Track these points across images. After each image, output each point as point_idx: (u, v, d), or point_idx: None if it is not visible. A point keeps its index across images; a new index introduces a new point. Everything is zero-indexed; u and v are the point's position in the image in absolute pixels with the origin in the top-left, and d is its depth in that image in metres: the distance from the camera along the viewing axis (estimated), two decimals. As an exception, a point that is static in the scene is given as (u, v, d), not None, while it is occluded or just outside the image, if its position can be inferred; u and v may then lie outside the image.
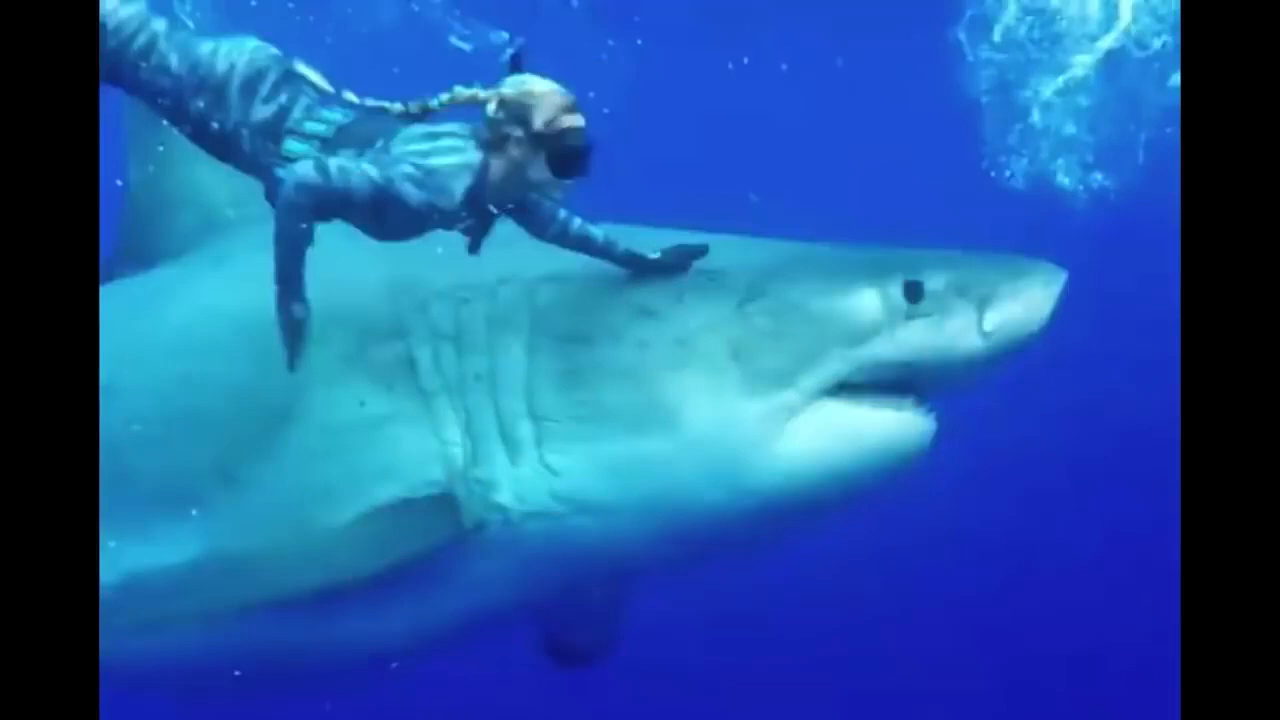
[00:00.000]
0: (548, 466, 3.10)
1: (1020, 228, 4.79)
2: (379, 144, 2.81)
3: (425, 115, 2.89)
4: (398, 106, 2.90)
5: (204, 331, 3.48)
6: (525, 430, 3.12)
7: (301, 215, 2.69)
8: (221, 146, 2.95)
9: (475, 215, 2.88)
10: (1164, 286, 3.27)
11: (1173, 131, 2.28)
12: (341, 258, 2.83)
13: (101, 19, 2.82)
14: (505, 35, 2.89)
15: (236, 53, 2.89)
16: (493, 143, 2.80)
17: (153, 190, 4.06)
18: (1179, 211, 2.12)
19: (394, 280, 3.30)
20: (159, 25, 2.91)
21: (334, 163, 2.71)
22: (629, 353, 3.08)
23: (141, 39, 2.88)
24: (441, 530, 3.11)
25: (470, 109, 2.84)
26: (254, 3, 4.01)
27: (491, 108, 2.79)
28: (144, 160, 4.02)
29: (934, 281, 3.09)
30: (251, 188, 2.95)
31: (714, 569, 3.73)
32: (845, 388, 3.10)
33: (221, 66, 2.87)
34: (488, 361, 3.16)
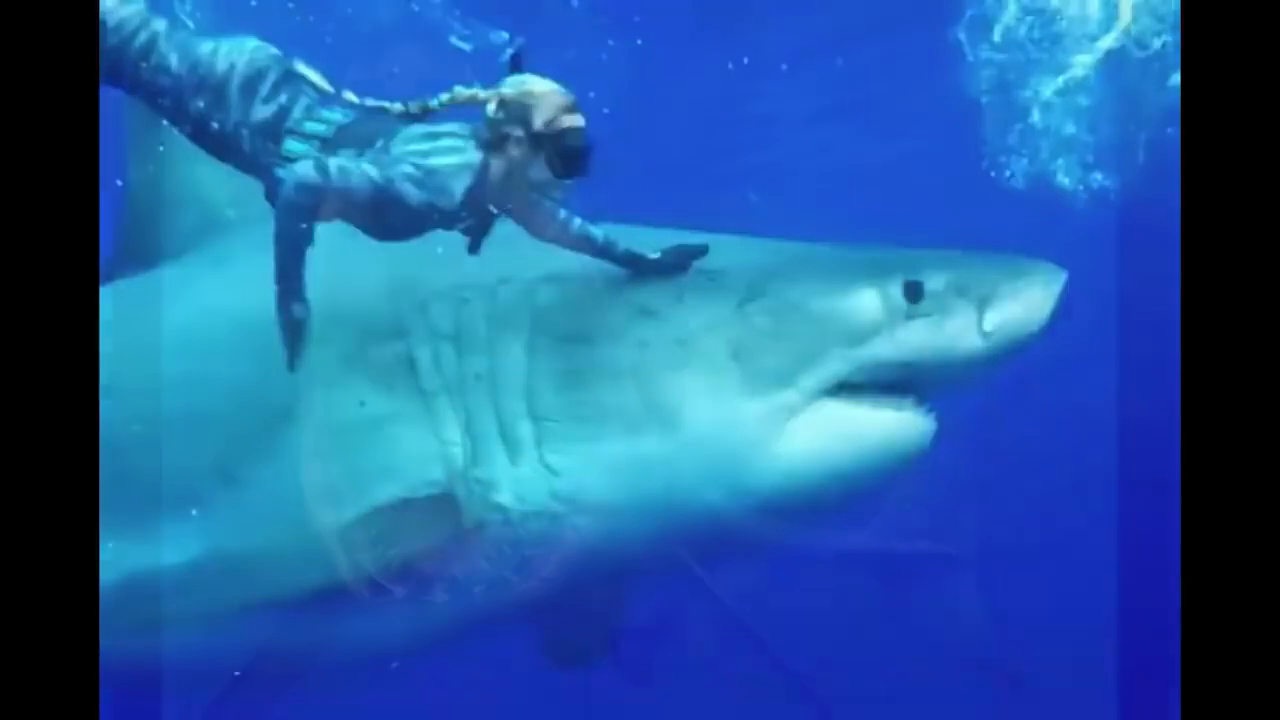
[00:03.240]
0: (548, 466, 3.10)
1: (1020, 228, 4.79)
2: (379, 144, 2.81)
3: (425, 115, 2.90)
4: (398, 106, 2.90)
5: (204, 331, 3.48)
6: (525, 430, 3.12)
7: (301, 215, 2.69)
8: (221, 146, 2.95)
9: (475, 215, 2.88)
10: (1164, 286, 3.26)
11: (1173, 131, 2.27)
12: (341, 258, 2.83)
13: (101, 19, 2.82)
14: (505, 35, 2.89)
15: (236, 53, 2.90)
16: (493, 143, 2.80)
17: (153, 190, 4.06)
18: (1179, 211, 2.12)
19: (394, 280, 3.30)
20: (159, 25, 2.92)
21: (334, 163, 2.71)
22: (629, 353, 3.08)
23: (141, 38, 2.88)
24: (441, 530, 3.12)
25: (470, 109, 2.84)
26: (254, 3, 4.01)
27: (491, 108, 2.79)
28: (144, 160, 4.01)
29: (934, 281, 3.09)
30: (251, 188, 2.95)
31: (714, 569, 3.73)
32: (845, 388, 3.10)
33: (221, 66, 2.88)
34: (488, 361, 3.16)
